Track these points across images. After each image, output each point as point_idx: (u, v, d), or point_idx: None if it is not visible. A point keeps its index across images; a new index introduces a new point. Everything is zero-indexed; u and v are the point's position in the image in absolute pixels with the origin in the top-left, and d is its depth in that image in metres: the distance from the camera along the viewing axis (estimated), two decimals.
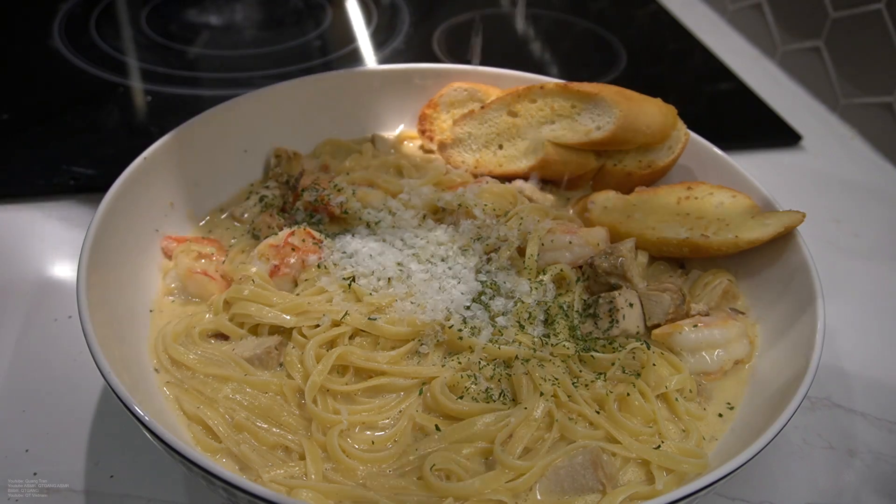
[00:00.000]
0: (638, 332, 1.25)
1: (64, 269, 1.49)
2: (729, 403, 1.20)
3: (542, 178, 1.55)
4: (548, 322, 1.25)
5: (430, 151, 1.66)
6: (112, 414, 1.23)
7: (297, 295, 1.24)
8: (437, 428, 1.08)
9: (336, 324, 1.18)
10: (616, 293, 1.26)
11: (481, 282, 1.27)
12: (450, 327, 1.18)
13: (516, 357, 1.16)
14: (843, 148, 2.06)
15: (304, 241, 1.30)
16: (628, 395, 1.15)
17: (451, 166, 1.60)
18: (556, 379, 1.14)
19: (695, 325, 1.24)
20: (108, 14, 2.38)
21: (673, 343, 1.24)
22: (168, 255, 1.35)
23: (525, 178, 1.54)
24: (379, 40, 2.34)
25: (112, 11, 2.41)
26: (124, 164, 1.32)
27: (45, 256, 1.52)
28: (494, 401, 1.12)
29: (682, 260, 1.43)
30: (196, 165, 1.46)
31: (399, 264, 1.27)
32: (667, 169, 1.51)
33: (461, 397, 1.12)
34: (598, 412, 1.13)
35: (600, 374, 1.18)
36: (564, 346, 1.18)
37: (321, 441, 1.06)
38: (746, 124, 2.11)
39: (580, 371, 1.18)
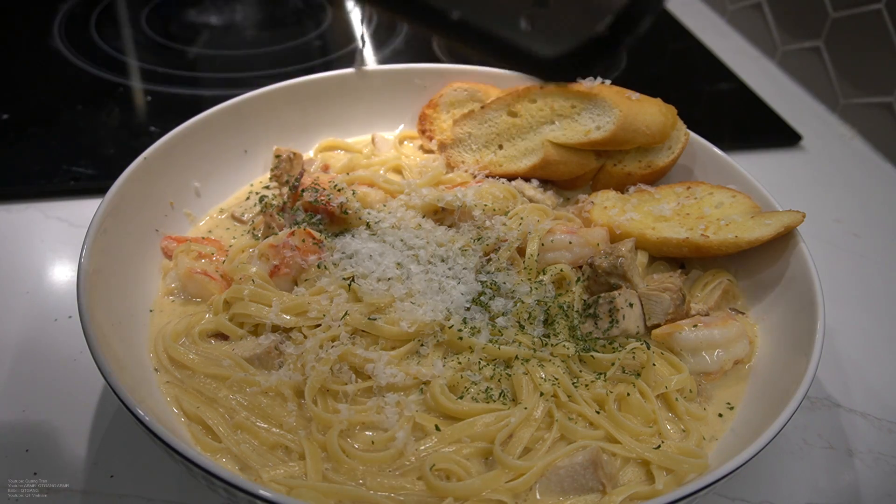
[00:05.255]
0: (638, 332, 1.25)
1: (64, 269, 1.49)
2: (729, 403, 1.20)
3: (542, 178, 1.55)
4: (548, 322, 1.25)
5: (430, 151, 1.66)
6: (112, 414, 1.23)
7: (297, 295, 1.24)
8: (437, 428, 1.08)
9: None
10: (616, 293, 1.26)
11: (481, 282, 1.27)
12: (450, 327, 1.18)
13: (516, 357, 1.16)
14: (843, 148, 2.06)
15: (304, 241, 1.30)
16: (628, 395, 1.15)
17: (451, 166, 1.60)
18: (556, 379, 1.14)
19: (695, 325, 1.24)
20: (108, 14, 2.39)
21: (673, 343, 1.24)
22: (168, 255, 1.35)
23: (525, 178, 1.54)
24: (379, 40, 2.34)
25: (112, 11, 2.41)
26: (124, 164, 1.32)
27: (45, 256, 1.52)
28: (494, 401, 1.12)
29: (682, 260, 1.43)
30: (196, 165, 1.46)
31: (399, 265, 1.27)
32: (667, 169, 1.51)
33: (461, 397, 1.12)
34: (598, 412, 1.13)
35: (600, 374, 1.18)
36: (564, 346, 1.18)
37: (321, 441, 1.06)
38: (746, 124, 2.11)
39: (580, 371, 1.18)
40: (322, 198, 1.40)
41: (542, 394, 1.12)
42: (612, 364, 1.17)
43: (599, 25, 0.57)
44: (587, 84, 1.50)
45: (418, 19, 0.59)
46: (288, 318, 1.19)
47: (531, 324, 1.23)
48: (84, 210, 1.62)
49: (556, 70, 0.60)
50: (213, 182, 1.50)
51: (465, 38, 0.60)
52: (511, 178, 1.54)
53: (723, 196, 1.42)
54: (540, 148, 1.52)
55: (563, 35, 0.58)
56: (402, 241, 1.33)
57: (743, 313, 1.34)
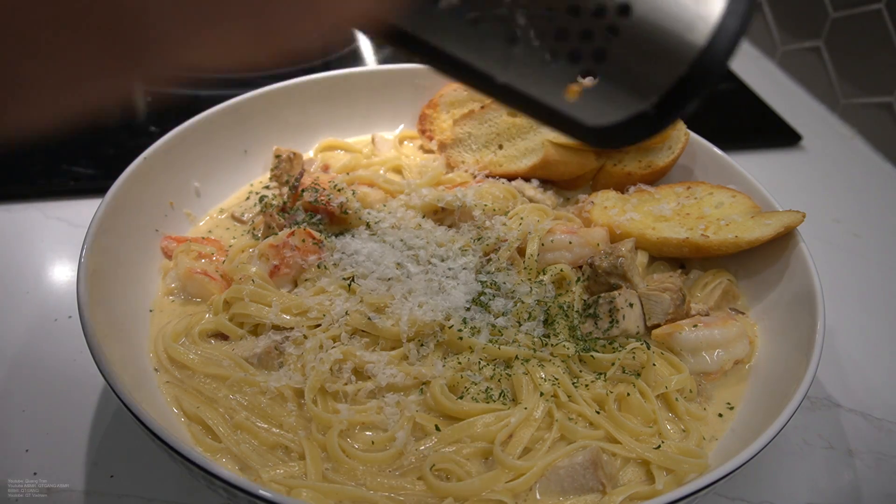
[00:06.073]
0: (638, 332, 1.25)
1: (64, 269, 1.49)
2: (729, 403, 1.20)
3: (542, 178, 1.55)
4: (548, 322, 1.25)
5: (430, 151, 1.66)
6: (112, 414, 1.23)
7: (297, 295, 1.24)
8: (437, 428, 1.08)
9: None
10: (616, 293, 1.26)
11: (481, 282, 1.27)
12: (450, 327, 1.18)
13: (516, 357, 1.16)
14: (843, 148, 2.06)
15: (304, 241, 1.30)
16: (628, 395, 1.15)
17: (451, 166, 1.60)
18: (556, 379, 1.14)
19: (695, 325, 1.24)
20: None
21: (673, 343, 1.24)
22: (168, 255, 1.35)
23: (525, 178, 1.54)
24: (379, 40, 2.34)
25: None
26: (124, 164, 1.32)
27: (45, 256, 1.52)
28: (494, 401, 1.12)
29: (682, 260, 1.43)
30: (196, 165, 1.46)
31: (399, 265, 1.27)
32: (667, 169, 1.51)
33: (461, 397, 1.12)
34: (598, 412, 1.13)
35: (600, 374, 1.18)
36: (564, 346, 1.18)
37: (321, 441, 1.06)
38: (746, 124, 2.11)
39: (580, 371, 1.18)
40: (322, 198, 1.40)
41: (542, 394, 1.12)
42: (612, 364, 1.17)
43: (645, 103, 0.57)
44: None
45: (462, 78, 0.61)
46: (288, 318, 1.19)
47: (531, 323, 1.23)
48: (84, 210, 1.61)
49: (601, 139, 0.61)
50: (213, 182, 1.50)
51: (510, 101, 0.60)
52: (511, 178, 1.54)
53: (723, 196, 1.42)
54: (540, 148, 1.52)
55: (609, 109, 0.59)
56: (401, 241, 1.33)
57: (743, 313, 1.34)
